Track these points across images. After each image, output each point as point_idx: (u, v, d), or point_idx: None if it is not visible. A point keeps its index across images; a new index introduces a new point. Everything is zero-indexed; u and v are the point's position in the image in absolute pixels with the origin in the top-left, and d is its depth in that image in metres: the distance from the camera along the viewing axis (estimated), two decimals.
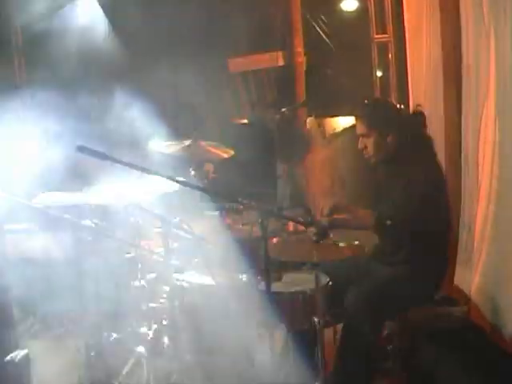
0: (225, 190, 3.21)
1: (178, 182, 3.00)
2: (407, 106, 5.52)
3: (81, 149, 2.72)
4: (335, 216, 3.53)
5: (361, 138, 3.71)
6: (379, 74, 7.13)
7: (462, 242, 4.38)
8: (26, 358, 3.23)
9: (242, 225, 3.27)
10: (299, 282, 3.60)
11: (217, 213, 3.93)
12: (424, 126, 3.72)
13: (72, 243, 3.56)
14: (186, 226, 3.46)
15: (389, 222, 3.39)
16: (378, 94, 7.25)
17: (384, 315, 3.64)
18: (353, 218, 3.58)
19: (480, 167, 4.12)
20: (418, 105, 3.86)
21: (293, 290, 3.50)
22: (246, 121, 7.84)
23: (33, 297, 4.86)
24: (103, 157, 2.74)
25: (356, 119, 3.75)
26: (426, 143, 3.73)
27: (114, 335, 4.11)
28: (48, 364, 4.22)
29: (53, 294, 4.50)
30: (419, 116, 3.74)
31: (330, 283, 3.56)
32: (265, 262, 2.98)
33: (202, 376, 3.70)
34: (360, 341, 3.49)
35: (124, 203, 3.88)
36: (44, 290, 4.78)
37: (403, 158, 3.68)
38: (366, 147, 3.69)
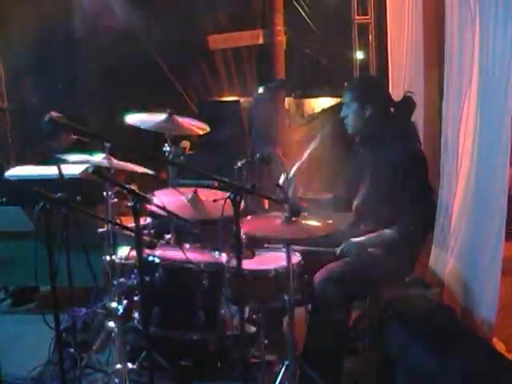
0: (200, 167, 3.15)
1: (151, 157, 2.97)
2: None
3: (51, 122, 2.68)
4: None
5: (344, 107, 3.85)
6: (360, 55, 7.05)
7: (438, 224, 4.37)
8: None
9: (214, 201, 3.22)
10: (271, 259, 3.58)
11: (191, 189, 3.90)
12: (411, 111, 3.86)
13: (44, 217, 3.50)
14: (158, 202, 3.42)
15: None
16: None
17: (353, 296, 3.67)
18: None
19: (459, 155, 4.09)
20: (410, 91, 3.93)
21: (264, 267, 3.47)
22: (223, 98, 7.79)
23: (3, 271, 4.84)
24: (73, 130, 2.69)
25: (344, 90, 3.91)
26: (410, 128, 3.86)
27: (85, 310, 4.09)
28: (19, 338, 4.21)
29: (24, 269, 4.47)
30: (409, 101, 3.85)
31: (303, 262, 3.53)
32: (236, 239, 2.96)
33: (172, 352, 3.70)
34: (329, 320, 3.52)
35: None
36: (15, 264, 4.75)
37: (384, 139, 3.78)
38: (346, 117, 3.83)
